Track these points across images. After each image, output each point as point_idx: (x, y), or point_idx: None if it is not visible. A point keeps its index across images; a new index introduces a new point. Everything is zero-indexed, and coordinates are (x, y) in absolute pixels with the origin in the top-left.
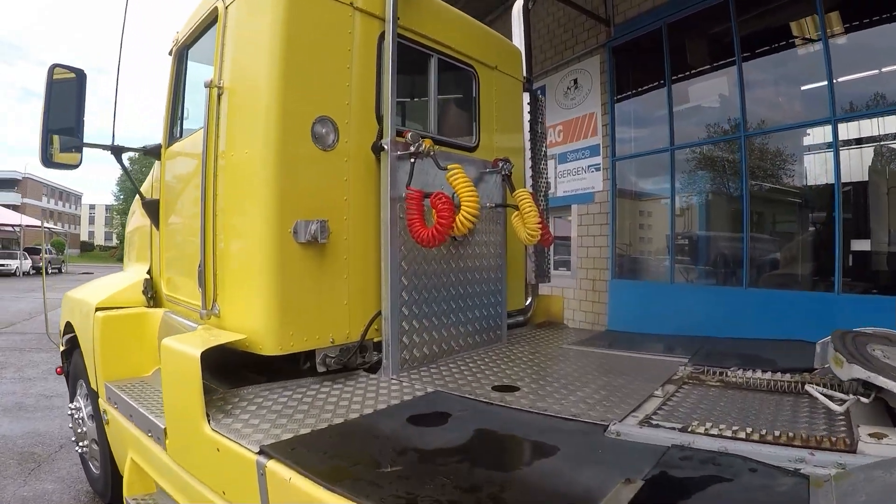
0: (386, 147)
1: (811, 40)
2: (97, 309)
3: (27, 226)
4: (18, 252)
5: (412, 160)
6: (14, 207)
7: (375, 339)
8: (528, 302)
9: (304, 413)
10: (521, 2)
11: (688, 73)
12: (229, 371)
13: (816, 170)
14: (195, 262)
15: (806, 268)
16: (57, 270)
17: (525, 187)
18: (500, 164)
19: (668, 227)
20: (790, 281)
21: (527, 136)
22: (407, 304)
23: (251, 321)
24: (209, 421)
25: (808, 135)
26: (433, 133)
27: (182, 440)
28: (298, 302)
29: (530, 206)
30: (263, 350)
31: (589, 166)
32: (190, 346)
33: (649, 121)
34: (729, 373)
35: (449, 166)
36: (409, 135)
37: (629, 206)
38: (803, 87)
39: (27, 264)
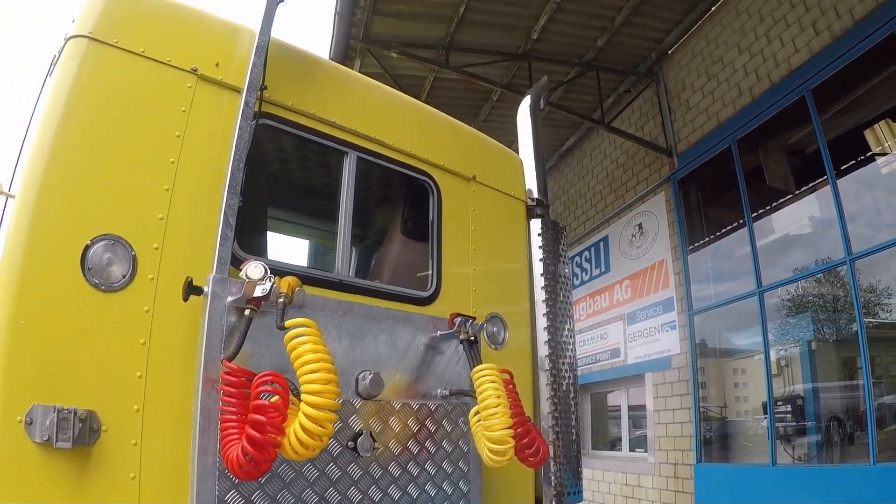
0: (206, 289)
1: None
2: None
3: None
4: None
5: (247, 312)
6: None
7: None
8: None
9: None
10: (529, 100)
11: (768, 195)
12: None
13: None
14: None
15: None
16: None
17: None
18: (458, 322)
19: (765, 390)
20: None
21: (538, 282)
22: None
23: None
24: None
25: None
26: (341, 274)
27: None
28: None
29: (492, 399)
30: None
31: (663, 325)
32: None
33: (729, 261)
34: None
35: (287, 323)
36: (248, 267)
37: (714, 368)
38: None
39: None
